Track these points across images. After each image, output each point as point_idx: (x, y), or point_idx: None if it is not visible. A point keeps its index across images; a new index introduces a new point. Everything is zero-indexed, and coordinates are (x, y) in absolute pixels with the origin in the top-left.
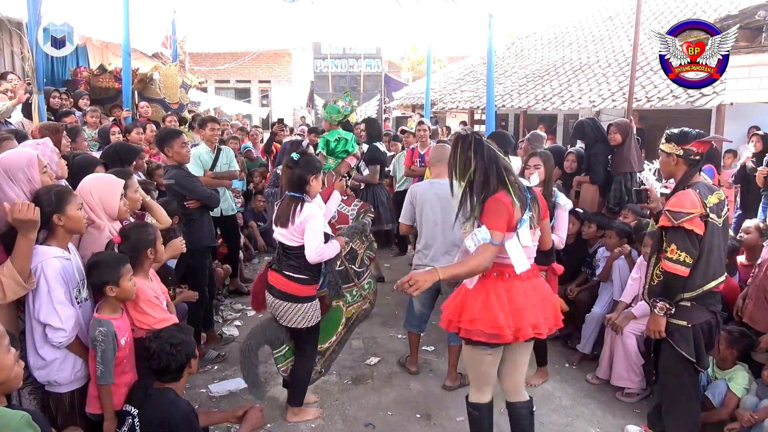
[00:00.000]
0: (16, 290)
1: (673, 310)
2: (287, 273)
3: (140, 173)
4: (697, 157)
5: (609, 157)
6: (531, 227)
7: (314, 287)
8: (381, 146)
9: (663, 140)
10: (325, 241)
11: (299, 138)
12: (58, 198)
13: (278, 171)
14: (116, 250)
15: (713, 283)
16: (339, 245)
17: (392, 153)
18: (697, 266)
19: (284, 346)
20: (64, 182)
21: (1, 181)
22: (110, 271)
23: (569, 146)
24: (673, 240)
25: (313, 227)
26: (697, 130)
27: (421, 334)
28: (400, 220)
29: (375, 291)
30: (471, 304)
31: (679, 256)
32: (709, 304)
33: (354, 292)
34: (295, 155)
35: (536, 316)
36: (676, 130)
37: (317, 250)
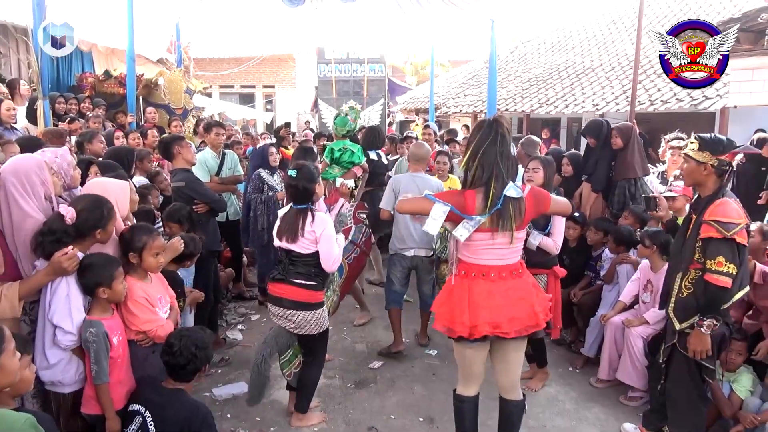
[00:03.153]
0: (6, 313)
1: (719, 325)
2: (298, 281)
3: (145, 176)
4: (727, 168)
5: (612, 162)
6: (489, 229)
7: (323, 293)
8: (372, 154)
9: (694, 146)
10: None
11: (269, 143)
12: (109, 214)
13: (261, 174)
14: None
15: (741, 293)
16: (343, 240)
17: (398, 156)
18: (735, 277)
19: (289, 350)
20: (79, 189)
21: (13, 188)
22: (104, 273)
23: (572, 149)
24: (720, 252)
25: (328, 237)
26: (726, 137)
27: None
28: (381, 206)
29: (340, 282)
30: (440, 298)
31: (728, 268)
32: (725, 317)
33: (332, 286)
34: (291, 172)
35: (498, 315)
36: (708, 137)
37: (336, 259)
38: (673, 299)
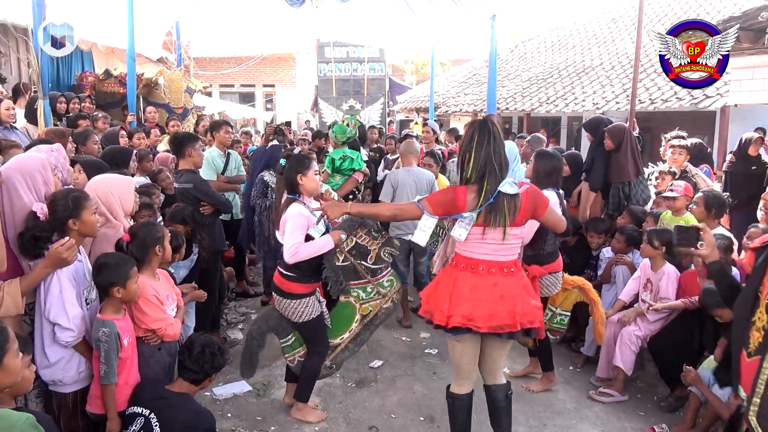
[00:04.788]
0: (10, 310)
1: None
2: (280, 269)
3: (146, 176)
4: None
5: (608, 162)
6: (482, 224)
7: (306, 285)
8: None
9: None
10: (308, 241)
11: (276, 143)
12: (75, 203)
13: (264, 178)
14: (125, 249)
15: None
16: (331, 241)
17: (397, 156)
18: None
19: (290, 336)
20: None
21: (18, 185)
22: (119, 273)
23: (573, 148)
24: None
25: (289, 227)
26: None
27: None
28: (380, 199)
29: (398, 290)
30: (428, 286)
31: None
32: None
33: (369, 289)
34: (282, 161)
35: (475, 309)
36: None
37: (290, 250)
38: (757, 401)
